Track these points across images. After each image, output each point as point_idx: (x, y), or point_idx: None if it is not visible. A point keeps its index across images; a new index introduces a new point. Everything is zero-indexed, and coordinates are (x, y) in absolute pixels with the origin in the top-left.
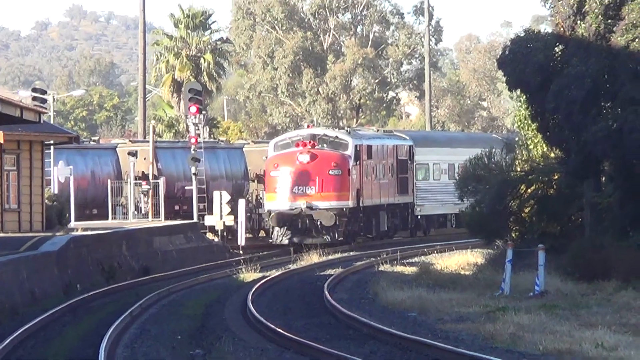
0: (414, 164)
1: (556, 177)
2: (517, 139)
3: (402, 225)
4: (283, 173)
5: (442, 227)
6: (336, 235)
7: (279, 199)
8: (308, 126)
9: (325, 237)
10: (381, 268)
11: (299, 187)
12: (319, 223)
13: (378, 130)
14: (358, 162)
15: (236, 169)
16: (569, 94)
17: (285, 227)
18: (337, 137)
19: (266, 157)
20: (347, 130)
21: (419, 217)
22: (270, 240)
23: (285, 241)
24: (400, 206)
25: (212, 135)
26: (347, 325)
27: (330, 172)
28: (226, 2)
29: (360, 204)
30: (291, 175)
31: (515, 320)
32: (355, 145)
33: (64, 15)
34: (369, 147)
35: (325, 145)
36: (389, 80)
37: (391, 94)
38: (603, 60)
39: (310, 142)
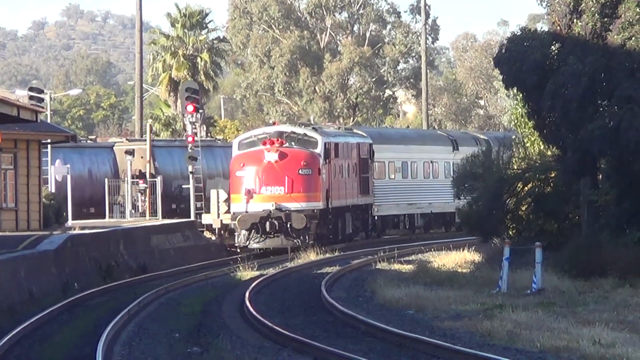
0: (375, 163)
1: (553, 175)
2: (514, 137)
3: (362, 227)
4: (249, 173)
5: (395, 228)
6: (307, 238)
7: (245, 200)
8: (274, 123)
9: (295, 240)
10: (378, 266)
11: (267, 188)
12: (289, 226)
13: (339, 127)
14: (327, 161)
15: None
16: (565, 92)
17: (253, 231)
18: (305, 134)
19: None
20: (314, 128)
21: (375, 218)
22: (236, 244)
23: (254, 245)
24: (362, 207)
25: (209, 134)
26: (345, 323)
27: (300, 171)
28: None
29: (330, 205)
30: (258, 174)
31: (513, 317)
32: (325, 143)
33: (61, 15)
34: (336, 145)
35: (293, 143)
36: (385, 78)
37: (388, 92)
38: (600, 58)
39: (278, 140)
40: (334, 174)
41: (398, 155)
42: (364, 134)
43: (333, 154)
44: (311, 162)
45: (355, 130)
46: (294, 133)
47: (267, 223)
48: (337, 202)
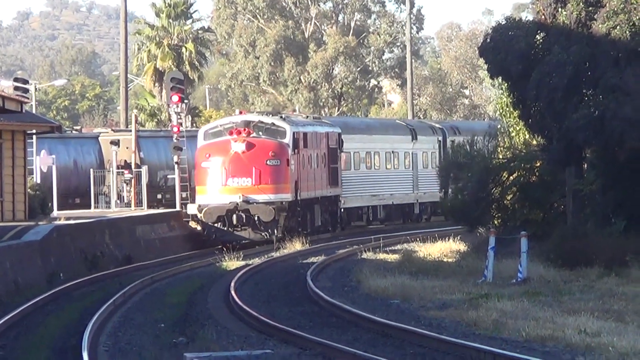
0: (343, 153)
1: (538, 164)
2: (499, 126)
3: (331, 219)
4: (215, 164)
5: (359, 220)
6: (275, 231)
7: (210, 192)
8: (241, 112)
9: (263, 233)
10: (364, 256)
11: (234, 179)
12: (256, 218)
13: (307, 117)
14: (296, 151)
15: None
16: (550, 81)
17: (220, 224)
18: (273, 123)
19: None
20: (282, 117)
21: (342, 209)
22: (203, 238)
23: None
24: (331, 199)
25: (194, 124)
26: (330, 313)
27: (268, 162)
28: None
29: (298, 197)
30: (224, 165)
31: (498, 307)
32: (294, 133)
33: (45, 5)
34: (305, 135)
35: (261, 133)
36: (370, 68)
37: (373, 82)
38: (584, 47)
39: (244, 130)
40: (303, 165)
41: (363, 146)
42: (333, 123)
43: (302, 144)
44: (279, 152)
45: (323, 120)
46: (262, 122)
47: (234, 216)
48: (306, 194)
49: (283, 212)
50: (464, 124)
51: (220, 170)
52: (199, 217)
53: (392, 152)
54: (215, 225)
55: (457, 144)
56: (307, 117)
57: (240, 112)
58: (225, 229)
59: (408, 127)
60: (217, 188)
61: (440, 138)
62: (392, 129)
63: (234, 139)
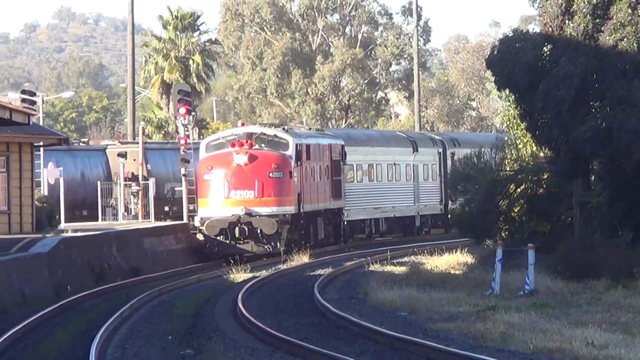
0: (346, 165)
1: (545, 176)
2: (506, 138)
3: (334, 232)
4: (217, 176)
5: (361, 233)
6: (278, 244)
7: (213, 204)
8: (243, 124)
9: (266, 246)
10: (371, 268)
11: (236, 192)
12: (259, 231)
13: (310, 128)
14: (299, 163)
15: None
16: (557, 93)
17: (222, 237)
18: (276, 135)
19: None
20: (284, 129)
21: (345, 222)
22: (205, 250)
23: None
24: (334, 211)
25: (201, 137)
26: (338, 325)
27: (271, 174)
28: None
29: (301, 210)
30: (227, 178)
31: (506, 319)
32: (296, 145)
33: (53, 17)
34: (308, 147)
35: (263, 144)
36: (377, 80)
37: (380, 94)
38: (591, 59)
39: (247, 142)
40: (306, 177)
41: (365, 158)
42: (336, 135)
43: (305, 156)
44: (282, 164)
45: (326, 132)
46: (264, 134)
47: (237, 229)
48: (309, 206)
49: (286, 225)
50: (463, 135)
51: (222, 183)
52: (201, 230)
53: (394, 164)
54: (218, 238)
55: (461, 156)
56: (310, 128)
57: (242, 124)
58: (228, 242)
59: (409, 139)
60: (220, 201)
61: (441, 150)
62: (393, 140)
63: (236, 151)
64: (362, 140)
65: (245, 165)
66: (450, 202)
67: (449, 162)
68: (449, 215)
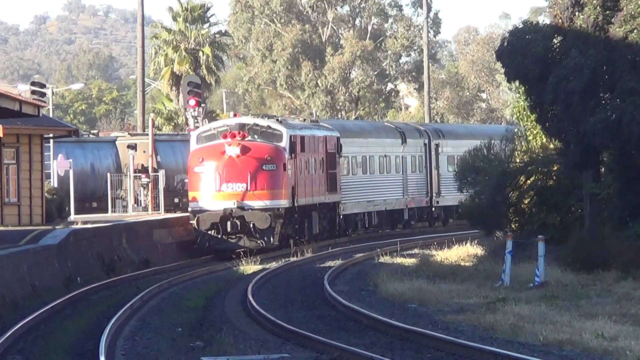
0: (342, 158)
1: (555, 168)
2: (516, 130)
3: (329, 227)
4: (209, 168)
5: (355, 227)
6: (271, 239)
7: (204, 198)
8: (235, 114)
9: (259, 241)
10: (381, 260)
11: (228, 185)
12: (251, 225)
13: (305, 120)
14: (293, 156)
15: None
16: (567, 85)
17: (214, 231)
18: (269, 126)
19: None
20: (278, 119)
21: (341, 217)
22: (195, 246)
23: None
24: (330, 205)
25: None
26: (347, 317)
27: (264, 166)
28: None
29: (295, 204)
30: (218, 170)
31: (516, 311)
32: (290, 136)
33: (63, 9)
34: (302, 139)
35: (256, 136)
36: (387, 72)
37: (390, 86)
38: (601, 51)
39: (239, 133)
40: (300, 170)
41: (359, 150)
42: (331, 127)
43: (299, 148)
44: (276, 156)
45: (322, 124)
46: (257, 125)
47: (229, 223)
48: (304, 200)
49: (279, 219)
50: (448, 127)
51: (213, 175)
52: (192, 224)
53: (385, 156)
54: (209, 232)
55: (446, 148)
56: (305, 120)
57: (235, 115)
58: (220, 236)
59: (397, 129)
60: (211, 194)
61: (426, 141)
62: (384, 132)
63: (228, 142)
64: (357, 131)
65: (238, 157)
66: (434, 195)
67: (433, 154)
68: (433, 209)
